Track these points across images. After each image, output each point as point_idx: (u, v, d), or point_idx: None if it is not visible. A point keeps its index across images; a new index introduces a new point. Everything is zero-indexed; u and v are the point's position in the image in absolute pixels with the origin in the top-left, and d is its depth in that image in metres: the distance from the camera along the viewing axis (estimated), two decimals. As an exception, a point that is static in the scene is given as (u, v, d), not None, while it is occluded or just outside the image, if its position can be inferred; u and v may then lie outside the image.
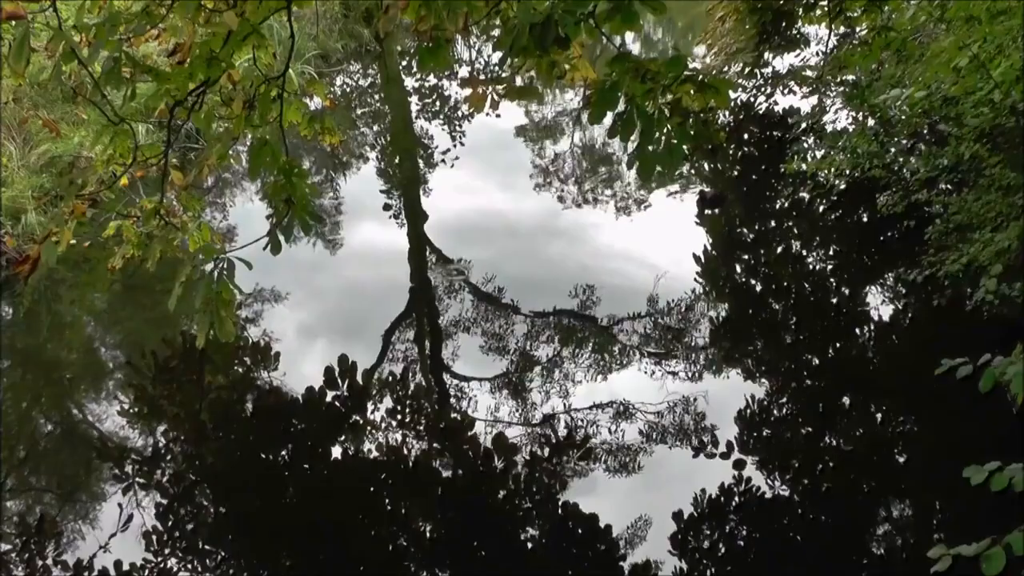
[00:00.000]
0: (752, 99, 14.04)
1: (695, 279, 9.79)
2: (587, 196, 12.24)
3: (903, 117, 9.32)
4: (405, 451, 7.32)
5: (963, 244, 7.88)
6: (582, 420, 7.51)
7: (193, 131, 11.16)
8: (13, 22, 3.74)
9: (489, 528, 6.59)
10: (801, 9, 10.16)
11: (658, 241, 10.63)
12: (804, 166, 10.27)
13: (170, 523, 6.54)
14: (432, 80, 16.93)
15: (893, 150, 9.73)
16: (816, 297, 9.86)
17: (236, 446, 7.63)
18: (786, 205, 12.01)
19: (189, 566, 6.24)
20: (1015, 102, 7.16)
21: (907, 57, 8.30)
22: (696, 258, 10.20)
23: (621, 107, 3.08)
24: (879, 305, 9.53)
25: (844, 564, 6.18)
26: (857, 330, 9.10)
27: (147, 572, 6.12)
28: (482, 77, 17.10)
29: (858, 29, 9.62)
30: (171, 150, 4.68)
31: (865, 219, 10.79)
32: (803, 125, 12.35)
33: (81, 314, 9.95)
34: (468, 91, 3.97)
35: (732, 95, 11.15)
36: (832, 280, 10.21)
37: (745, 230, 11.11)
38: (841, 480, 7.01)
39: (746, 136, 14.00)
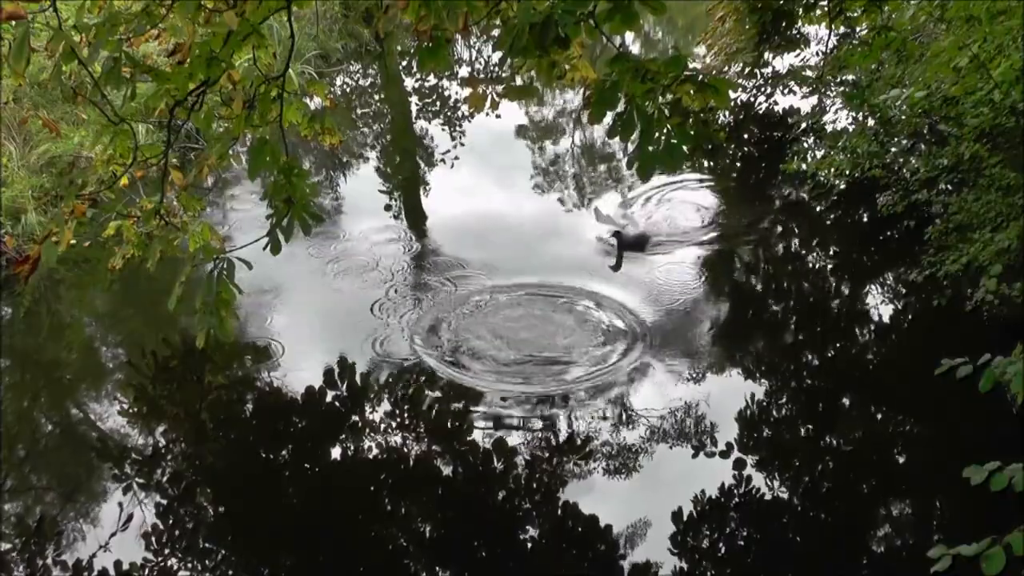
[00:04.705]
0: (752, 99, 14.03)
1: (695, 278, 9.79)
2: (587, 195, 12.23)
3: (903, 117, 9.32)
4: (405, 451, 7.32)
5: (963, 244, 7.88)
6: (582, 420, 7.50)
7: (193, 131, 11.16)
8: (13, 22, 3.73)
9: (489, 528, 6.59)
10: (801, 9, 10.15)
11: (657, 239, 10.61)
12: (804, 166, 10.27)
13: (170, 523, 6.54)
14: (432, 80, 16.92)
15: (893, 150, 9.73)
16: (816, 297, 9.86)
17: (236, 446, 7.63)
18: (786, 205, 12.00)
19: (189, 566, 6.24)
20: (1015, 102, 7.16)
21: (907, 57, 8.30)
22: (695, 257, 10.20)
23: (621, 107, 3.08)
24: (879, 305, 9.53)
25: (844, 564, 6.18)
26: (857, 330, 9.09)
27: (147, 572, 6.12)
28: (482, 77, 17.12)
29: (858, 29, 9.61)
30: (171, 150, 4.67)
31: (865, 219, 10.79)
32: (803, 125, 12.34)
33: (81, 314, 9.95)
34: (468, 91, 3.97)
35: (732, 95, 11.11)
36: (832, 280, 10.21)
37: (745, 229, 11.08)
38: (841, 480, 7.01)
39: (746, 136, 14.00)
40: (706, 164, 12.85)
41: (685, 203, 11.66)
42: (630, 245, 9.74)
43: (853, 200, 10.89)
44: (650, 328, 8.69)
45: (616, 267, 9.58)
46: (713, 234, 10.86)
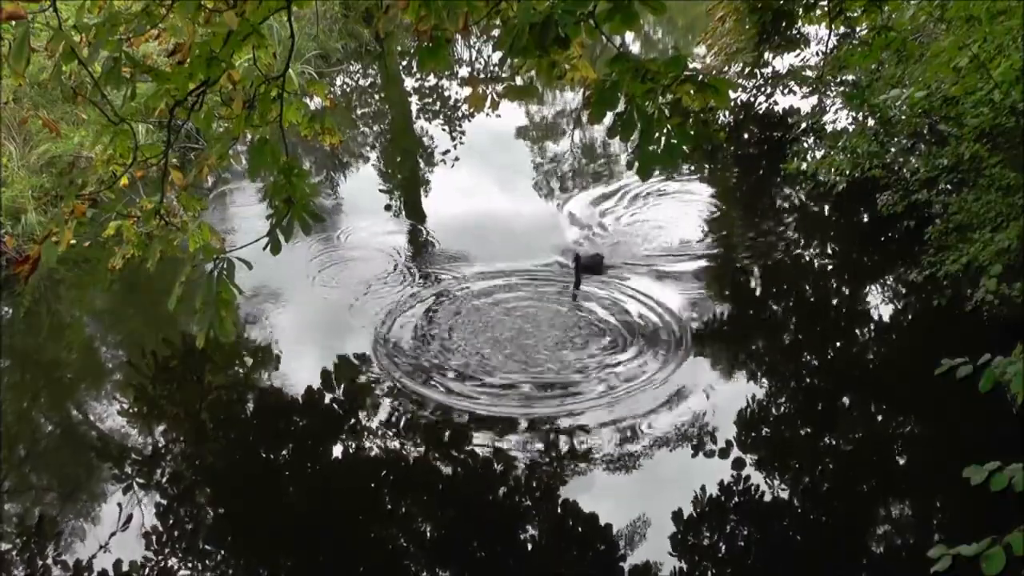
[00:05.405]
0: (752, 99, 14.04)
1: (695, 278, 9.79)
2: (587, 193, 12.23)
3: (903, 117, 9.33)
4: (405, 450, 7.31)
5: (963, 244, 7.89)
6: (582, 420, 7.49)
7: (193, 131, 11.17)
8: (13, 22, 3.73)
9: (488, 528, 6.59)
10: (801, 9, 10.17)
11: (658, 239, 10.62)
12: (804, 166, 10.27)
13: (170, 523, 6.54)
14: (432, 80, 16.93)
15: (893, 150, 9.74)
16: (816, 297, 9.86)
17: (236, 446, 7.63)
18: (786, 205, 12.01)
19: (189, 566, 6.24)
20: (1015, 102, 7.17)
21: (907, 57, 8.31)
22: (695, 258, 10.20)
23: (621, 107, 3.08)
24: (879, 305, 9.53)
25: (844, 564, 6.18)
26: (857, 330, 9.09)
27: (147, 572, 6.12)
28: (482, 77, 17.12)
29: (858, 29, 9.62)
30: (171, 150, 4.67)
31: (865, 219, 10.79)
32: (803, 125, 12.35)
33: (81, 314, 9.96)
34: (468, 91, 3.97)
35: (732, 95, 11.11)
36: (832, 280, 10.21)
37: (745, 230, 11.08)
38: (841, 480, 7.00)
39: (746, 136, 14.00)
40: (706, 163, 12.86)
41: (685, 201, 11.68)
42: (587, 268, 9.58)
43: (853, 200, 10.89)
44: (650, 327, 8.70)
45: (575, 288, 9.40)
46: (712, 234, 10.88)
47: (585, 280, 9.44)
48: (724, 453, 7.05)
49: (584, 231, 10.94)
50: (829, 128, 11.43)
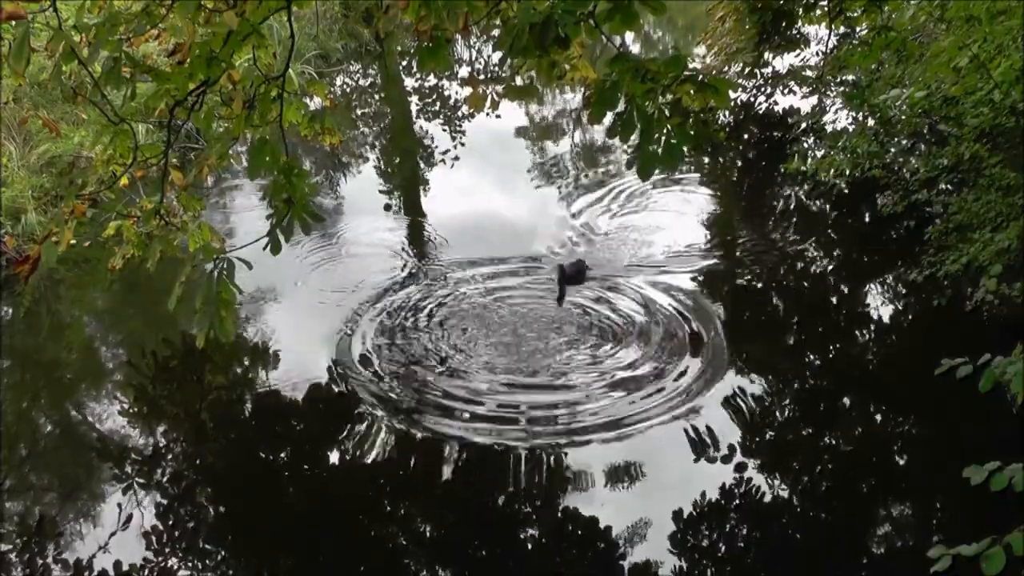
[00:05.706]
0: (752, 99, 14.05)
1: (695, 278, 9.79)
2: (587, 193, 12.23)
3: (903, 117, 9.34)
4: (405, 450, 7.31)
5: (963, 244, 7.89)
6: (583, 421, 7.49)
7: (193, 131, 11.17)
8: (13, 22, 3.74)
9: (488, 528, 6.59)
10: (801, 9, 10.18)
11: (658, 239, 10.62)
12: (804, 166, 10.27)
13: (170, 523, 6.55)
14: (432, 80, 16.94)
15: (893, 150, 9.74)
16: (816, 297, 9.85)
17: (236, 446, 7.63)
18: (786, 205, 12.00)
19: (189, 566, 6.24)
20: (1015, 102, 7.17)
21: (907, 57, 8.32)
22: (696, 258, 10.20)
23: (621, 107, 3.08)
24: (879, 305, 9.53)
25: (844, 564, 6.18)
26: (857, 330, 9.09)
27: (147, 572, 6.13)
28: (482, 77, 17.13)
29: (858, 29, 9.63)
30: (171, 150, 4.68)
31: (865, 219, 10.79)
32: (803, 125, 12.36)
33: (81, 314, 9.95)
34: (468, 91, 3.98)
35: (732, 95, 11.10)
36: (832, 280, 10.21)
37: (745, 230, 11.09)
38: (841, 480, 7.00)
39: (746, 136, 14.00)
40: (705, 163, 12.87)
41: (683, 202, 11.68)
42: (570, 278, 9.32)
43: (853, 200, 10.88)
44: (649, 326, 8.70)
45: (559, 300, 9.19)
46: (711, 235, 10.88)
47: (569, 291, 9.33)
48: (726, 457, 7.03)
49: (577, 233, 10.93)
50: (829, 128, 11.44)
